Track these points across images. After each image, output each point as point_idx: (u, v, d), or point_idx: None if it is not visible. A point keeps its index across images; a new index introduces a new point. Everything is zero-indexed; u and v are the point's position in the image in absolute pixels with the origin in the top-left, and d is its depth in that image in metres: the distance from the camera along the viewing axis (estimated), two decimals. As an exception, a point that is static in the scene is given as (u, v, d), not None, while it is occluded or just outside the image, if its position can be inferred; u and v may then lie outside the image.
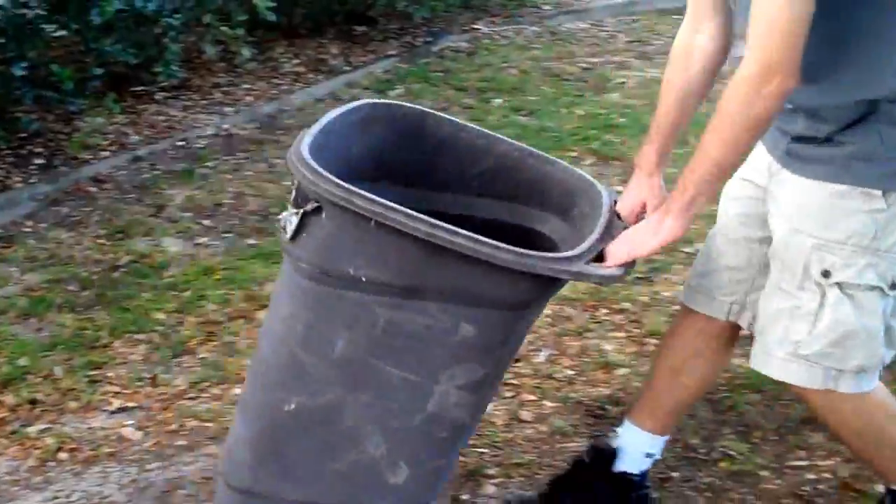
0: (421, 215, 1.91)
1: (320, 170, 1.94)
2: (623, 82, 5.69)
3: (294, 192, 2.04)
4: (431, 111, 2.38)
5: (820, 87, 2.01)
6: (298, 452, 2.16)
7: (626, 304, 3.46)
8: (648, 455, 2.49)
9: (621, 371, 3.11)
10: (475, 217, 2.32)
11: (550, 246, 2.27)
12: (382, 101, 2.32)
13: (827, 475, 2.68)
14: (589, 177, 2.30)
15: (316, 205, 1.97)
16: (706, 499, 2.60)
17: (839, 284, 2.08)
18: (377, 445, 2.14)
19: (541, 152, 2.35)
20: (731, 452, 2.76)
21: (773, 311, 2.16)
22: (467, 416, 2.15)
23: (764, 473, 2.70)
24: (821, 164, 2.07)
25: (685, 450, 2.78)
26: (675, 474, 2.68)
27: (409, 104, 2.37)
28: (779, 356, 2.17)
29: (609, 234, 2.08)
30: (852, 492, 2.61)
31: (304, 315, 2.07)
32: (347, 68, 5.94)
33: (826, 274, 2.09)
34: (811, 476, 2.68)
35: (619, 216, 2.18)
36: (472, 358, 2.07)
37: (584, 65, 6.03)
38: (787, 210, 2.14)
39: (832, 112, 2.04)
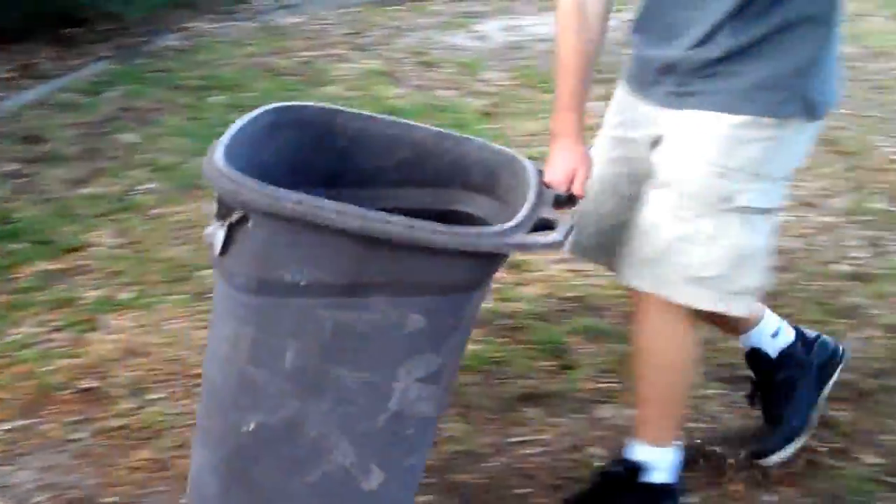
0: (351, 207, 1.85)
1: (241, 177, 1.87)
2: (341, 74, 5.81)
3: (216, 206, 1.96)
4: (340, 108, 2.34)
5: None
6: (266, 472, 2.09)
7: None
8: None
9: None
10: (400, 207, 2.23)
11: (483, 224, 2.21)
12: (289, 104, 2.26)
13: (547, 448, 2.75)
14: (509, 150, 2.28)
15: (241, 214, 1.90)
16: (430, 483, 2.59)
17: (737, 209, 2.21)
18: (345, 453, 2.07)
19: (456, 133, 2.32)
20: (454, 434, 2.78)
21: (671, 239, 2.24)
22: (431, 408, 2.10)
23: (486, 451, 2.73)
24: (718, 96, 2.19)
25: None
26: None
27: (317, 104, 2.32)
28: (679, 282, 2.25)
29: (542, 202, 2.06)
30: (571, 462, 2.69)
31: (247, 330, 1.99)
32: (60, 72, 5.81)
33: (725, 200, 2.20)
34: (531, 450, 2.74)
35: (548, 186, 2.16)
36: (427, 348, 2.02)
37: (302, 59, 6.07)
38: (685, 142, 2.23)
39: (724, 39, 2.16)
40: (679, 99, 2.25)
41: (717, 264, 2.25)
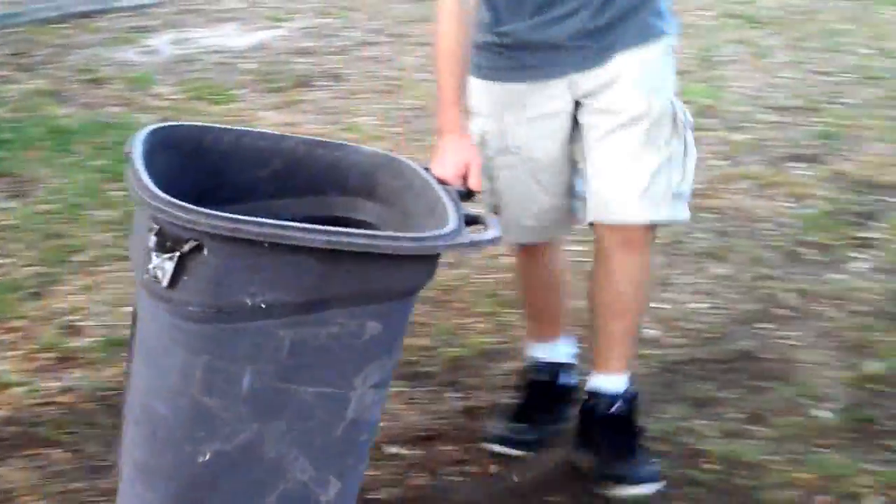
0: (314, 226, 1.86)
1: (194, 207, 1.82)
2: (6, 96, 5.59)
3: (154, 238, 1.89)
4: (210, 125, 2.31)
5: None
6: (224, 500, 2.03)
7: (18, 322, 3.49)
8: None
9: (18, 389, 3.11)
10: (280, 218, 2.16)
11: (370, 228, 2.23)
12: (161, 125, 2.19)
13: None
14: (384, 152, 2.32)
15: (194, 244, 1.84)
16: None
17: (688, 124, 2.52)
18: (303, 469, 2.03)
19: (328, 140, 2.34)
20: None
21: (656, 167, 2.47)
22: (379, 412, 2.11)
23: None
24: (637, 33, 2.46)
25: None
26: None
27: (187, 123, 2.28)
28: (664, 203, 2.50)
29: (453, 199, 2.10)
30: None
31: (199, 360, 1.93)
32: None
33: (679, 118, 2.50)
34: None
35: (442, 183, 2.18)
36: (381, 354, 2.04)
37: (-36, 81, 5.82)
38: (633, 81, 2.46)
39: None
40: (602, 54, 2.45)
41: (689, 177, 2.55)
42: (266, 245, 1.84)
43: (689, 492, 2.59)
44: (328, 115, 5.35)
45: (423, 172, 2.21)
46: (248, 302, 1.88)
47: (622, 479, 2.56)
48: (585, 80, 2.49)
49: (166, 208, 1.85)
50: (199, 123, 2.32)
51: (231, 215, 1.85)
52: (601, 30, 2.45)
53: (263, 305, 1.89)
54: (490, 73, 2.52)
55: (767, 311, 3.46)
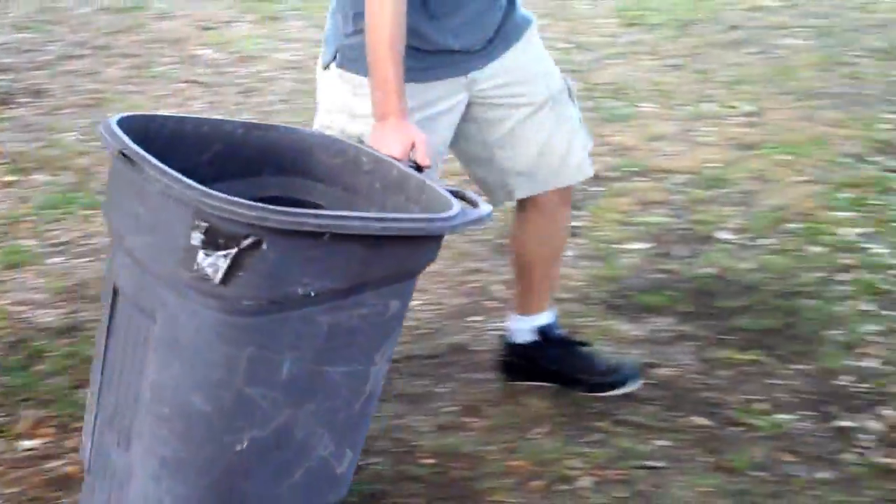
0: (368, 214, 1.99)
1: (254, 203, 1.88)
2: None
3: (201, 236, 1.89)
4: (154, 113, 2.36)
5: None
6: (256, 485, 2.08)
7: None
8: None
9: None
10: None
11: (313, 205, 2.33)
12: (117, 116, 2.15)
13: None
14: (320, 131, 2.42)
15: (254, 239, 1.88)
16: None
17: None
18: (326, 445, 2.13)
19: (263, 122, 2.42)
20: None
21: (578, 132, 2.81)
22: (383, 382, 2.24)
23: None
24: (523, 21, 2.72)
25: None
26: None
27: (136, 114, 2.25)
28: (586, 159, 2.85)
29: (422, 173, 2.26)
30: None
31: (245, 352, 1.97)
32: None
33: (572, 88, 2.82)
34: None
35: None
36: (396, 329, 2.17)
37: None
38: (540, 60, 2.78)
39: None
40: (506, 42, 2.69)
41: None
42: (325, 236, 1.91)
43: (406, 487, 2.63)
44: (30, 133, 5.13)
45: (372, 151, 2.31)
46: (300, 292, 1.95)
47: (612, 385, 2.96)
48: (483, 78, 2.67)
49: (223, 205, 1.87)
50: (145, 113, 2.36)
51: (291, 209, 1.91)
52: (505, 24, 2.68)
53: (313, 293, 1.96)
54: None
55: (478, 304, 3.55)
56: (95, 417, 2.24)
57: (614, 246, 3.91)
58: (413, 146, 2.36)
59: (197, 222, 1.91)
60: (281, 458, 2.10)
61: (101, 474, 2.22)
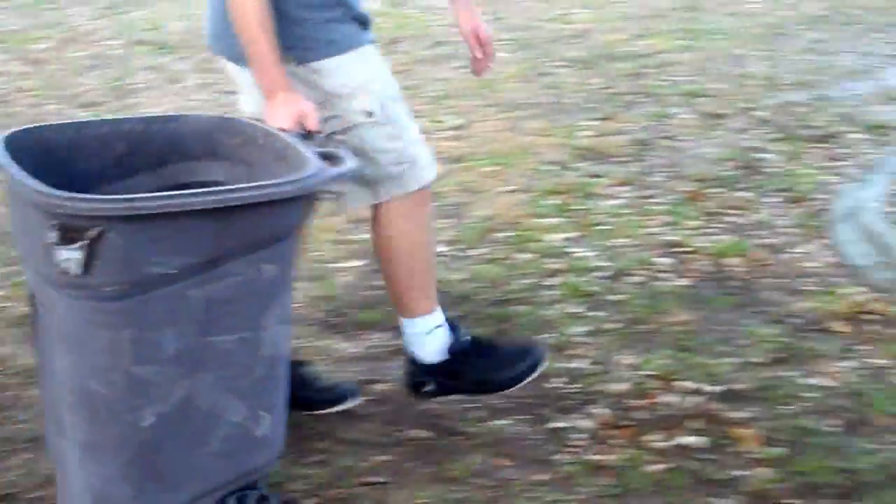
0: (201, 189, 2.08)
1: (92, 196, 2.03)
2: None
3: (55, 234, 2.01)
4: (48, 124, 2.44)
5: None
6: (173, 457, 2.20)
7: None
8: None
9: None
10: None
11: (220, 185, 2.35)
12: (15, 130, 2.30)
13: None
14: (215, 115, 2.52)
15: (99, 229, 1.99)
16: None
17: None
18: (236, 411, 2.23)
19: (160, 114, 2.60)
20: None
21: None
22: (289, 345, 2.33)
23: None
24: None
25: None
26: None
27: (30, 126, 2.37)
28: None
29: (302, 141, 2.33)
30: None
31: (124, 335, 2.09)
32: None
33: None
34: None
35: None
36: (280, 291, 2.24)
37: None
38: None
39: None
40: None
41: None
42: (165, 216, 2.00)
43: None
44: None
45: (264, 125, 2.41)
46: (157, 271, 2.05)
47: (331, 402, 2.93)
48: None
49: (66, 202, 1.99)
50: (38, 124, 2.44)
51: (126, 196, 2.04)
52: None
53: (172, 271, 2.06)
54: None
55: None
56: (44, 400, 2.41)
57: (330, 265, 3.89)
58: (302, 115, 2.45)
59: (50, 221, 2.02)
60: (191, 428, 2.20)
61: (60, 463, 2.37)
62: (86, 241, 2.01)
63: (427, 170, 2.75)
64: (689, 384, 3.05)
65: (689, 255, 3.91)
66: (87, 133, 2.43)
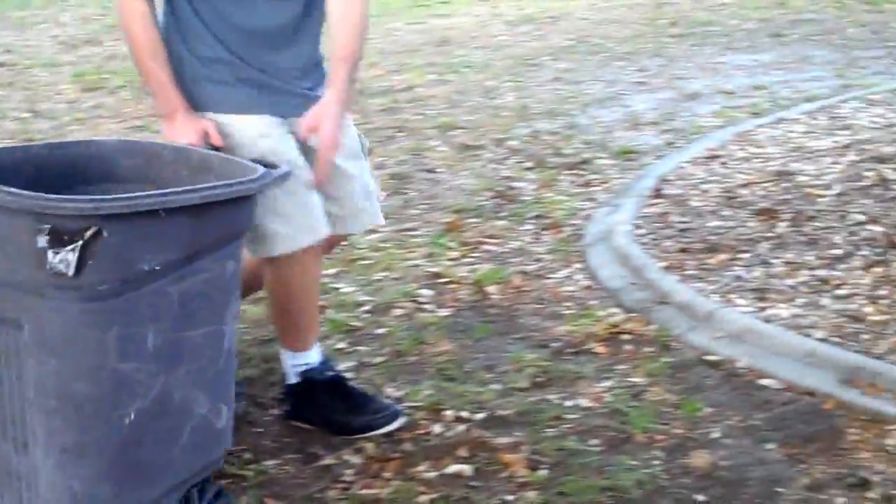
0: (186, 187, 2.21)
1: (87, 197, 2.15)
2: None
3: (46, 238, 2.07)
4: None
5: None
6: (150, 453, 2.29)
7: None
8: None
9: None
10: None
11: None
12: None
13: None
14: (118, 138, 2.76)
15: (95, 229, 2.06)
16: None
17: None
18: (202, 404, 2.35)
19: (67, 140, 2.85)
20: None
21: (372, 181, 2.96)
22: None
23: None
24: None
25: None
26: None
27: None
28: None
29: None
30: None
31: (111, 333, 2.17)
32: None
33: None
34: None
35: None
36: (236, 287, 2.39)
37: None
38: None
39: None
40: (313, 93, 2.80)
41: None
42: (153, 213, 2.12)
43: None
44: None
45: (170, 143, 2.53)
46: (146, 268, 2.16)
47: (368, 426, 2.96)
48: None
49: (59, 204, 2.08)
50: None
51: (123, 195, 2.17)
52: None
53: (157, 267, 2.18)
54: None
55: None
56: None
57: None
58: (205, 131, 2.60)
59: (39, 226, 2.08)
60: (167, 423, 2.31)
61: (6, 481, 2.37)
62: (80, 242, 2.09)
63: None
64: (455, 413, 3.08)
65: (451, 286, 3.97)
66: (2, 158, 2.51)
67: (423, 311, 3.78)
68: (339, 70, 2.71)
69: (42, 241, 2.09)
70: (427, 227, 4.57)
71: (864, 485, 2.67)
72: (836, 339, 3.31)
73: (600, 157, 5.44)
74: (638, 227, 4.33)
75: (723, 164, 5.02)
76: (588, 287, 3.94)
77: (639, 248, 4.09)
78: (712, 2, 9.84)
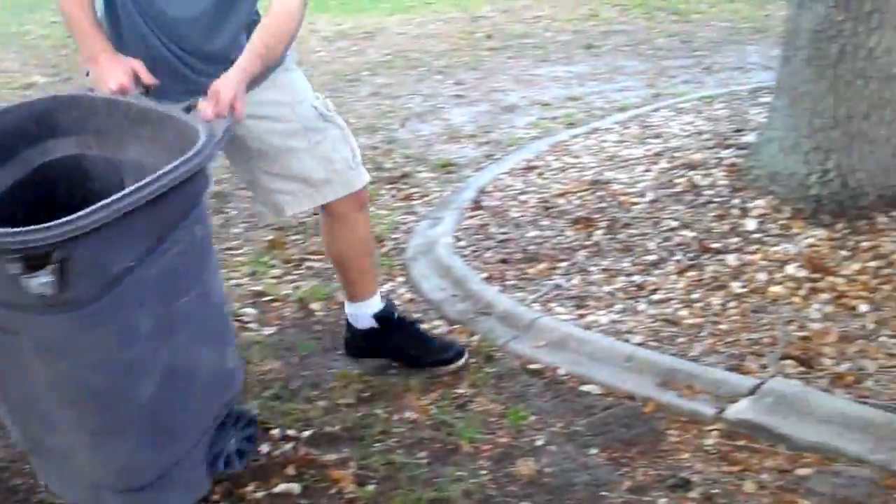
0: (138, 185, 2.20)
1: (48, 224, 2.09)
2: None
3: (19, 265, 2.09)
4: None
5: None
6: (174, 413, 2.47)
7: None
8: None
9: None
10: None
11: (77, 158, 2.61)
12: None
13: None
14: (48, 95, 2.63)
15: (65, 252, 2.10)
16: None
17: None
18: (209, 357, 2.53)
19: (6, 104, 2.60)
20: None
21: (331, 150, 3.13)
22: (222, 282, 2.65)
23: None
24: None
25: None
26: None
27: None
28: (352, 173, 3.18)
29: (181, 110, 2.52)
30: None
31: (106, 329, 2.28)
32: None
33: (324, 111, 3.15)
34: None
35: (123, 94, 2.56)
36: (210, 246, 2.53)
37: None
38: (281, 99, 3.02)
39: None
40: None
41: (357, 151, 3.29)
42: (120, 218, 2.14)
43: None
44: None
45: (101, 95, 2.52)
46: (122, 267, 2.24)
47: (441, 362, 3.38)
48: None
49: (22, 237, 2.08)
50: None
51: (80, 213, 2.11)
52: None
53: (132, 263, 2.25)
54: None
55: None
56: (10, 413, 2.54)
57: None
58: (134, 71, 2.57)
59: (8, 258, 2.10)
60: (181, 384, 2.44)
61: (43, 452, 2.59)
62: (56, 264, 2.11)
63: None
64: (283, 431, 3.06)
65: (275, 304, 3.94)
66: None
67: (248, 329, 3.75)
68: (249, 56, 2.73)
69: (14, 268, 2.13)
70: (249, 246, 4.53)
71: (685, 485, 2.76)
72: (654, 344, 3.40)
73: (420, 171, 5.48)
74: (458, 239, 4.37)
75: (540, 174, 5.11)
76: (411, 300, 3.96)
77: (460, 260, 4.13)
78: (527, 14, 10.02)
